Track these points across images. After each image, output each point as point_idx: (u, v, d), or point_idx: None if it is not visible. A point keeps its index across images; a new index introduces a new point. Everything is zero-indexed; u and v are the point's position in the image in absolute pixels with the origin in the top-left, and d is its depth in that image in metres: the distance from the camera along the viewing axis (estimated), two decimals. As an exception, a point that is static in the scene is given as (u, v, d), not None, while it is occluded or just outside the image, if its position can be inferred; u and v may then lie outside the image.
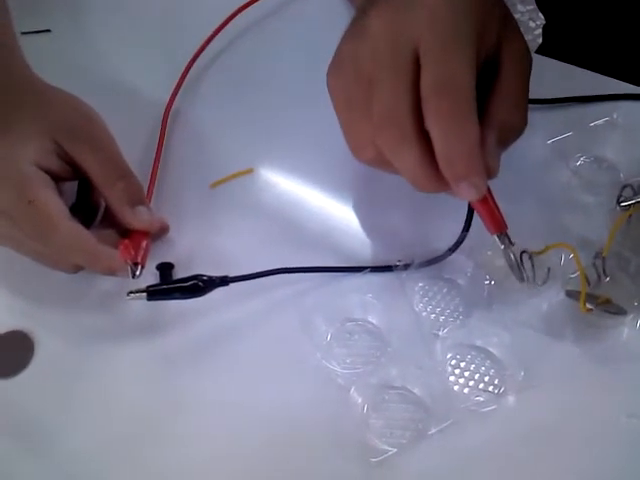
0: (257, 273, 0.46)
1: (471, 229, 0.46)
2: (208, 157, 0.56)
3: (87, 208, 0.50)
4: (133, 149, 0.51)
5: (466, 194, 0.41)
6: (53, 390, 0.45)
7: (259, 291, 0.47)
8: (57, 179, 0.47)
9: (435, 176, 0.40)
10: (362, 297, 0.46)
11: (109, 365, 0.45)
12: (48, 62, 0.52)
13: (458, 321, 0.45)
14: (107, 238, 0.47)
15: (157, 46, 0.64)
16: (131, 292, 0.44)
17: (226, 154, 0.56)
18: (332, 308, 0.46)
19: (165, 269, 0.48)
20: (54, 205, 0.45)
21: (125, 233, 0.48)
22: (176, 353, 0.46)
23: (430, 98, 0.38)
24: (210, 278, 0.45)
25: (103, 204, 0.51)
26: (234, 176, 0.54)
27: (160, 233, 0.50)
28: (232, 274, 0.46)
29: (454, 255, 0.47)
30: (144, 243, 0.47)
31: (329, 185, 0.53)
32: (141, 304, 0.46)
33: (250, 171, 0.54)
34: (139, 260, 0.46)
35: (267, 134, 0.57)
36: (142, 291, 0.44)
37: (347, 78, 0.42)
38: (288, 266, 0.47)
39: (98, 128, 0.49)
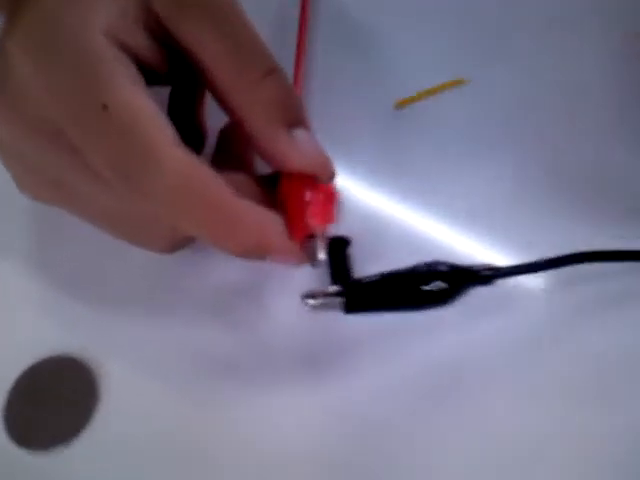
0: (529, 264, 0.24)
1: None
2: (383, 61, 0.33)
3: (189, 131, 0.28)
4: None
5: None
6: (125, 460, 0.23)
7: (531, 295, 0.25)
8: (144, 73, 0.24)
9: None
10: None
11: (231, 417, 0.24)
12: None
13: None
14: (240, 188, 0.24)
15: None
16: (311, 296, 0.21)
17: (416, 58, 0.33)
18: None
19: (337, 249, 0.26)
20: (151, 116, 0.22)
21: (264, 180, 0.26)
22: (361, 403, 0.24)
23: None
24: (460, 269, 0.22)
25: (214, 126, 0.28)
26: (437, 90, 0.31)
27: (325, 180, 0.28)
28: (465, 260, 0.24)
29: None
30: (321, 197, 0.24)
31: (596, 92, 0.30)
32: (294, 312, 0.24)
33: (461, 82, 0.31)
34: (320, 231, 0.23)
35: (482, 30, 0.33)
36: (336, 294, 0.21)
37: None
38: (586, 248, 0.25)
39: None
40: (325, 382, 0.24)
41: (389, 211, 0.28)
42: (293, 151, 0.24)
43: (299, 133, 0.24)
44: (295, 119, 0.24)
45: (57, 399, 0.24)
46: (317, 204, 0.22)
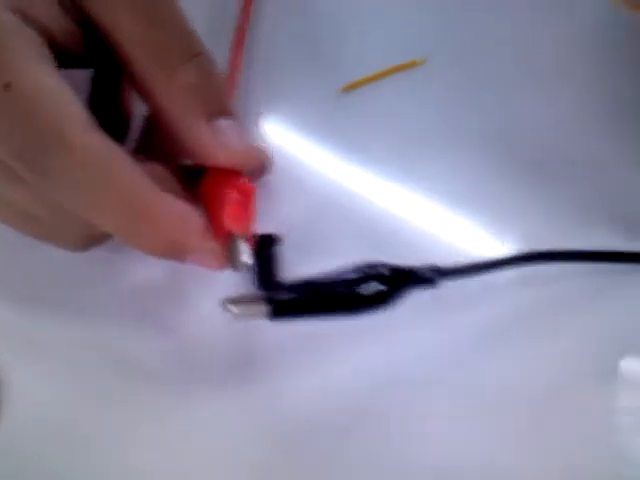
0: (476, 264, 0.22)
1: None
2: (333, 39, 0.30)
3: (110, 119, 0.25)
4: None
5: None
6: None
7: (476, 299, 0.23)
8: (57, 54, 0.22)
9: None
10: None
11: (151, 427, 0.22)
12: None
13: None
14: (159, 180, 0.22)
15: None
16: (232, 302, 0.19)
17: (367, 36, 0.30)
18: (626, 338, 0.22)
19: (265, 248, 0.23)
20: (61, 96, 0.20)
21: (187, 171, 0.23)
22: (296, 411, 0.22)
23: None
24: (400, 271, 0.20)
25: (140, 113, 0.25)
26: (389, 72, 0.29)
27: (256, 173, 0.25)
28: (414, 259, 0.22)
29: None
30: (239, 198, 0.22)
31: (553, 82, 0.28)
32: (218, 316, 0.22)
33: (415, 64, 0.29)
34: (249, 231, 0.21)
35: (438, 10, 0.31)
36: (260, 300, 0.19)
37: None
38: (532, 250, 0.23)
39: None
40: (252, 389, 0.22)
41: (336, 196, 0.26)
42: (215, 143, 0.22)
43: (222, 123, 0.22)
44: (218, 108, 0.22)
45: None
46: (235, 205, 0.20)
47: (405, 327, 0.23)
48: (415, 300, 0.21)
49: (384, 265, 0.20)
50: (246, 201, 0.20)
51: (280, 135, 0.28)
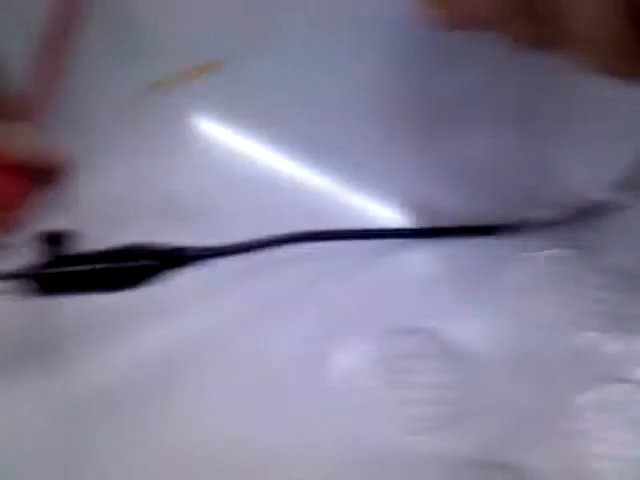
0: (245, 244, 0.25)
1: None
2: (143, 40, 0.33)
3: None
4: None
5: None
6: None
7: (245, 278, 0.27)
8: None
9: None
10: (431, 286, 0.26)
11: None
12: None
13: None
14: None
15: None
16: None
17: (176, 37, 0.33)
18: (374, 307, 0.26)
19: (55, 243, 0.25)
20: None
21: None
22: (87, 388, 0.25)
23: None
24: (156, 251, 0.23)
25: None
26: (192, 73, 0.32)
27: (46, 174, 0.28)
28: (193, 243, 0.25)
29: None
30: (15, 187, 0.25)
31: (354, 88, 0.31)
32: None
33: (217, 65, 0.32)
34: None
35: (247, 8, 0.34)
36: (20, 276, 0.22)
37: None
38: (298, 230, 0.26)
39: None
40: (43, 367, 0.25)
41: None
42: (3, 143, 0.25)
43: (10, 126, 0.26)
44: (6, 114, 0.26)
45: None
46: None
47: (180, 303, 0.26)
48: (188, 278, 0.24)
49: (154, 244, 0.23)
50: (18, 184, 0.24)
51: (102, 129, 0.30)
